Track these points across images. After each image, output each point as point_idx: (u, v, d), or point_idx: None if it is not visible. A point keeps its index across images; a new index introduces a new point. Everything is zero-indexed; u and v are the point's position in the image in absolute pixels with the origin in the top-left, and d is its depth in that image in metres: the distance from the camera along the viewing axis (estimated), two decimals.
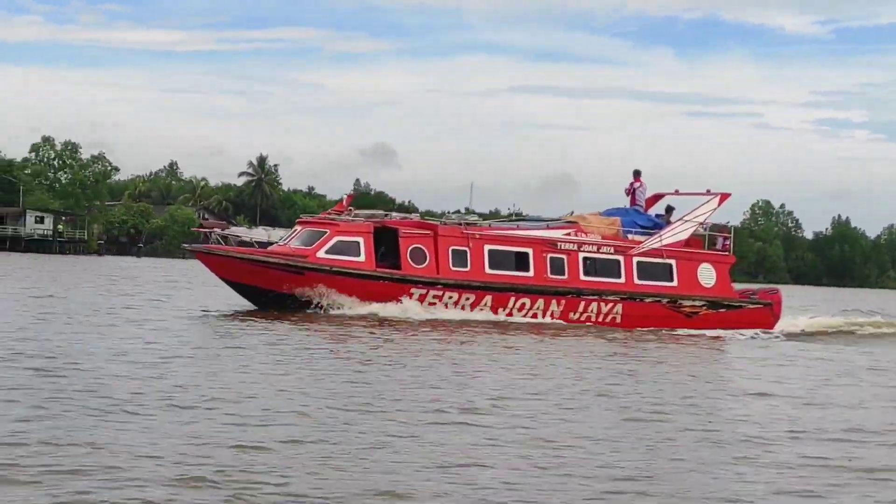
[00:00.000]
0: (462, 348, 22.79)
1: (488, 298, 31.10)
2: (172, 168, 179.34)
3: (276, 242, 31.83)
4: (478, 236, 31.55)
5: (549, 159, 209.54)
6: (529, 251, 31.87)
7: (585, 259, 32.34)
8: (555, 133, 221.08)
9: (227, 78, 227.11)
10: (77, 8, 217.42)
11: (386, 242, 31.13)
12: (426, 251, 30.91)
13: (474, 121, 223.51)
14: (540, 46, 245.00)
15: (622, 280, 32.64)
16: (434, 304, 30.54)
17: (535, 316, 31.41)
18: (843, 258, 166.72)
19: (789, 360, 25.08)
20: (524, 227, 33.19)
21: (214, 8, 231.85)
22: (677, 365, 22.40)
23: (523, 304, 31.44)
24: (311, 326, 25.88)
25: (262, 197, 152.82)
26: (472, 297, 30.99)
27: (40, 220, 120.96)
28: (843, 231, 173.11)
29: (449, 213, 33.61)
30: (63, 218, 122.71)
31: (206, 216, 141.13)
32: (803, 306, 46.75)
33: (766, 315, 33.91)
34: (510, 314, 31.14)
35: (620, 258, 32.68)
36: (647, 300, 32.67)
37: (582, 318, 31.96)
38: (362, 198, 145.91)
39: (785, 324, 34.37)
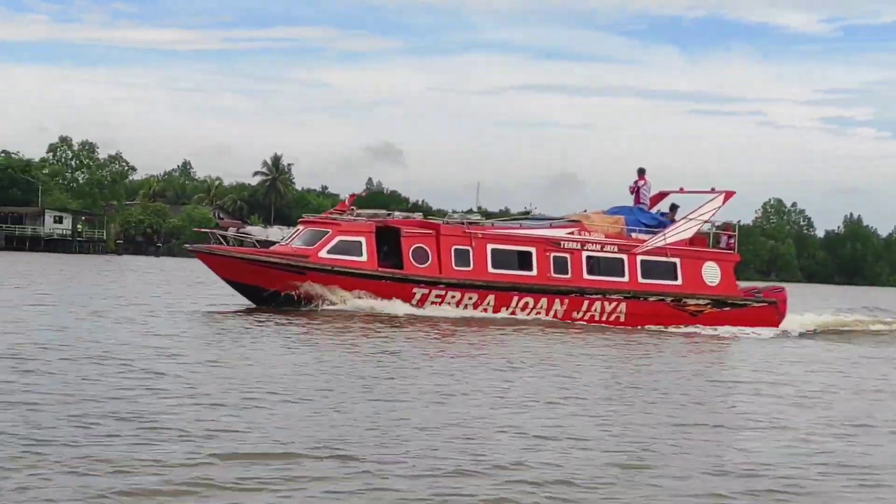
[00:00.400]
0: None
1: (491, 298, 31.00)
2: (185, 167, 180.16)
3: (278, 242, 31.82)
4: (480, 235, 31.47)
5: (553, 158, 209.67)
6: (532, 250, 31.77)
7: (589, 258, 32.23)
8: (560, 131, 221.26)
9: (232, 77, 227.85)
10: (82, 7, 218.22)
11: (388, 242, 31.07)
12: (428, 251, 30.83)
13: (479, 119, 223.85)
14: (545, 45, 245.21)
15: (626, 279, 32.52)
16: (437, 303, 30.47)
17: (538, 315, 31.29)
18: (855, 257, 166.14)
19: (793, 358, 24.94)
20: (527, 226, 33.11)
21: (220, 7, 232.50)
22: (679, 364, 22.28)
23: (526, 304, 31.34)
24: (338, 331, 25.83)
25: (276, 196, 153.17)
26: (475, 297, 30.90)
27: (59, 220, 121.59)
28: (855, 229, 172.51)
29: (452, 213, 33.46)
30: (82, 218, 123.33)
31: (222, 216, 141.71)
32: (806, 305, 46.49)
33: (770, 313, 33.76)
34: (513, 313, 31.05)
35: (624, 257, 32.55)
36: (651, 299, 32.54)
37: (585, 318, 31.84)
38: (376, 197, 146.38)
39: (790, 322, 34.20)
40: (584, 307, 31.92)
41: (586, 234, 32.56)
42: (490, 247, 31.41)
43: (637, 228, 33.41)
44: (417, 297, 30.40)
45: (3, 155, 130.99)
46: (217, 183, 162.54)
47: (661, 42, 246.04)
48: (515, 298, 31.23)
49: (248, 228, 43.68)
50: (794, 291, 73.39)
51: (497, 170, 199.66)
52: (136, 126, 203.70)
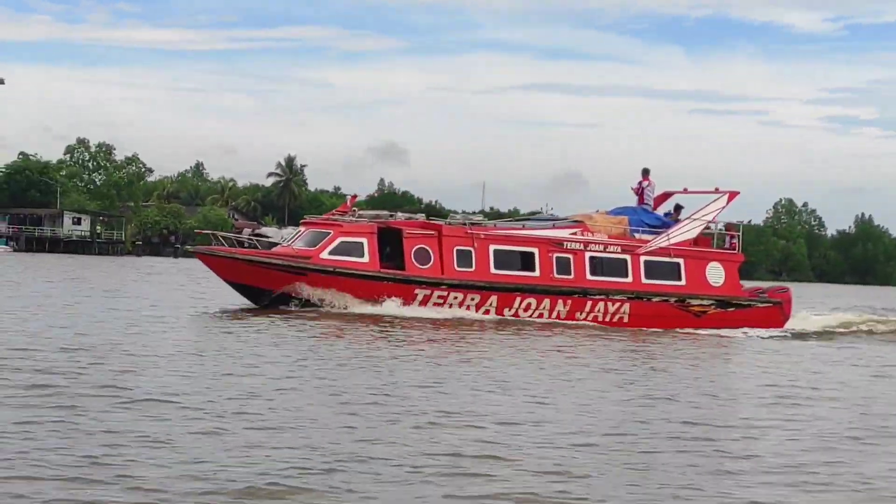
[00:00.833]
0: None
1: (493, 299, 30.90)
2: (198, 169, 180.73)
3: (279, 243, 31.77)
4: (482, 236, 31.36)
5: (558, 157, 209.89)
6: (535, 251, 31.66)
7: (592, 258, 32.10)
8: (564, 131, 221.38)
9: (236, 77, 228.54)
10: (86, 7, 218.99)
11: (390, 243, 31.00)
12: (430, 251, 30.75)
13: (482, 119, 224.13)
14: (549, 44, 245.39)
15: (629, 279, 32.38)
16: (438, 304, 30.38)
17: (541, 316, 31.20)
18: (867, 256, 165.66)
19: (798, 358, 24.81)
20: (530, 226, 33.01)
21: (223, 7, 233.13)
22: (681, 365, 22.17)
23: (529, 304, 31.23)
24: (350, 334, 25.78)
25: (290, 197, 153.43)
26: (478, 298, 30.80)
27: (77, 222, 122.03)
28: (866, 229, 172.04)
29: (453, 214, 33.36)
30: (101, 219, 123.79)
31: (237, 217, 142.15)
32: (809, 305, 46.29)
33: (775, 314, 33.58)
34: (516, 314, 30.95)
35: (627, 257, 32.42)
36: (655, 299, 32.40)
37: (589, 318, 31.71)
38: (389, 198, 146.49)
39: (795, 322, 34.05)
40: (588, 308, 31.80)
41: (589, 234, 32.44)
42: (492, 247, 31.31)
43: (640, 229, 33.28)
44: (419, 298, 30.31)
45: (20, 157, 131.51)
46: (231, 184, 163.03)
47: (665, 41, 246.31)
48: (518, 299, 31.12)
49: (264, 229, 43.64)
50: (806, 291, 73.24)
51: (501, 169, 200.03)
52: (140, 126, 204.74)
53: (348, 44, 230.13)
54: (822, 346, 29.42)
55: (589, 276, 31.97)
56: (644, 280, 32.47)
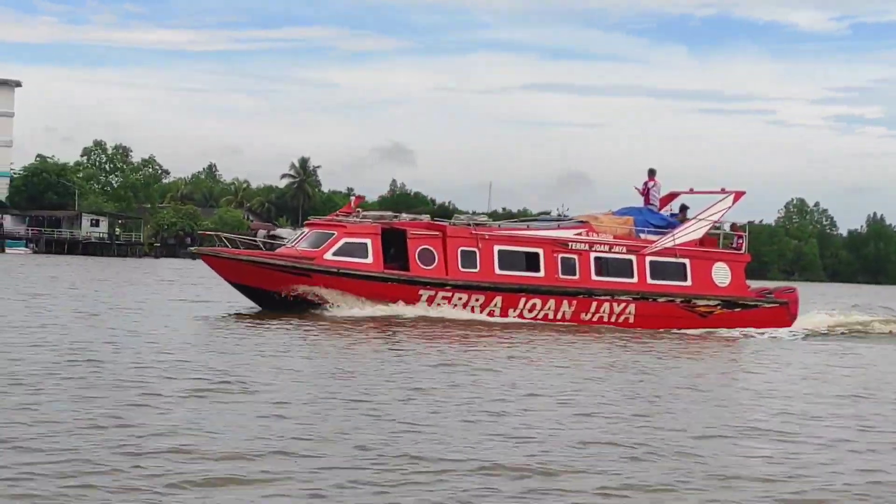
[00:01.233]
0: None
1: (498, 299, 30.82)
2: (211, 170, 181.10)
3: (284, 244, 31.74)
4: (487, 237, 31.27)
5: (561, 157, 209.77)
6: (540, 251, 31.56)
7: (597, 259, 31.99)
8: (567, 131, 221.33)
9: (240, 77, 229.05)
10: (91, 8, 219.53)
11: (395, 244, 30.93)
12: (435, 252, 30.67)
13: (485, 119, 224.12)
14: (553, 44, 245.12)
15: (635, 280, 32.26)
16: (443, 305, 30.31)
17: (546, 317, 31.11)
18: (879, 256, 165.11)
19: (803, 360, 24.69)
20: (534, 227, 32.91)
21: (227, 7, 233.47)
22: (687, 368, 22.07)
23: (534, 305, 31.14)
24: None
25: (304, 198, 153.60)
26: (482, 298, 30.72)
27: (95, 224, 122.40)
28: (878, 229, 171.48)
29: (459, 214, 33.30)
30: (119, 221, 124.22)
31: (251, 218, 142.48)
32: (813, 304, 46.05)
33: (782, 314, 33.43)
34: (521, 315, 30.86)
35: (633, 258, 32.30)
36: (661, 300, 32.28)
37: (594, 319, 31.60)
38: (402, 198, 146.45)
39: (802, 323, 33.89)
40: (593, 308, 31.69)
41: (594, 234, 32.33)
42: (497, 248, 31.22)
43: (646, 229, 33.16)
44: (424, 298, 30.24)
45: (38, 160, 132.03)
46: (244, 185, 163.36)
47: (669, 41, 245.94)
48: (523, 300, 31.03)
49: (278, 231, 43.63)
50: (818, 291, 72.92)
51: (504, 170, 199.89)
52: (144, 126, 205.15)
53: (350, 44, 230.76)
54: (828, 346, 29.28)
55: (594, 277, 31.86)
56: (650, 280, 32.35)
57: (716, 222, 33.66)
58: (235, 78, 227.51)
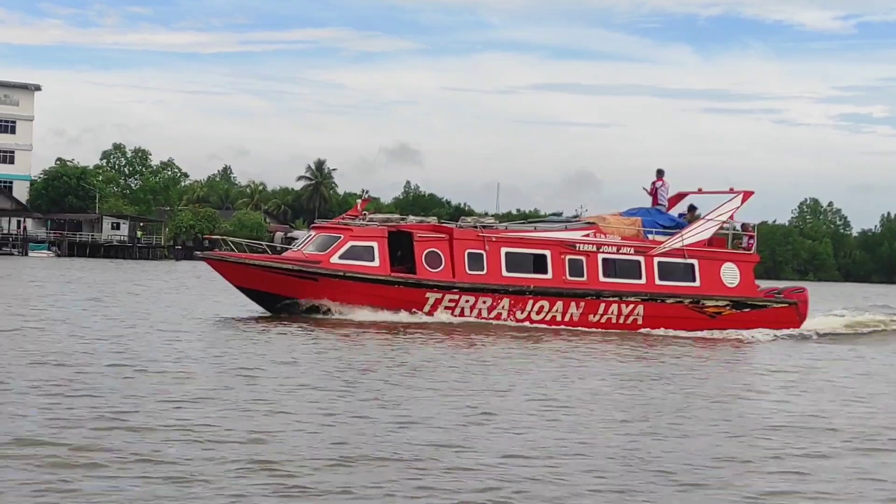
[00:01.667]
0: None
1: (506, 302, 30.69)
2: (226, 172, 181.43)
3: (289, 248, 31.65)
4: (494, 239, 31.14)
5: (569, 157, 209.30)
6: (547, 253, 31.41)
7: (605, 260, 31.83)
8: (575, 130, 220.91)
9: (249, 78, 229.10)
10: (99, 11, 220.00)
11: (402, 247, 30.81)
12: (442, 255, 30.54)
13: (495, 119, 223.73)
14: (560, 44, 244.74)
15: (643, 281, 32.09)
16: (450, 308, 30.19)
17: (553, 319, 30.96)
18: (893, 255, 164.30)
19: (813, 359, 24.53)
20: (541, 228, 32.77)
21: (235, 9, 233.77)
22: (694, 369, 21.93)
23: (542, 307, 30.99)
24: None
25: (320, 200, 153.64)
26: (490, 301, 30.59)
27: (116, 227, 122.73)
28: (893, 228, 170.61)
29: (465, 217, 33.17)
30: (140, 224, 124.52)
31: (269, 220, 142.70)
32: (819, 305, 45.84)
33: (791, 314, 33.24)
34: (528, 317, 30.71)
35: (641, 259, 32.14)
36: (669, 301, 32.11)
37: (602, 321, 31.44)
38: (418, 200, 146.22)
39: (811, 323, 33.70)
40: (601, 310, 31.53)
41: (602, 236, 32.18)
42: (504, 250, 31.08)
43: (654, 230, 33.00)
44: (431, 301, 30.12)
45: (58, 163, 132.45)
46: (260, 188, 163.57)
47: (677, 40, 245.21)
48: (531, 302, 30.88)
49: (295, 233, 43.63)
50: (833, 290, 72.59)
51: (512, 170, 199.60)
52: (153, 128, 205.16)
53: (360, 45, 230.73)
54: (839, 347, 29.11)
55: (602, 278, 31.70)
56: (658, 281, 32.18)
57: (724, 222, 33.48)
58: (245, 80, 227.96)
